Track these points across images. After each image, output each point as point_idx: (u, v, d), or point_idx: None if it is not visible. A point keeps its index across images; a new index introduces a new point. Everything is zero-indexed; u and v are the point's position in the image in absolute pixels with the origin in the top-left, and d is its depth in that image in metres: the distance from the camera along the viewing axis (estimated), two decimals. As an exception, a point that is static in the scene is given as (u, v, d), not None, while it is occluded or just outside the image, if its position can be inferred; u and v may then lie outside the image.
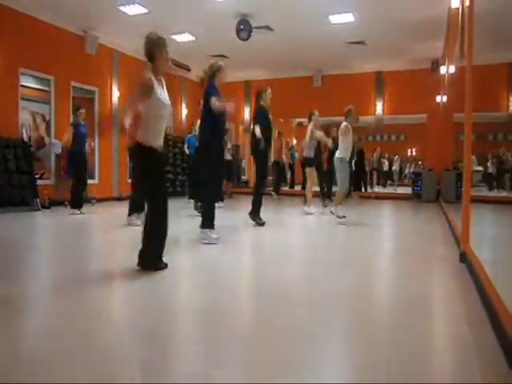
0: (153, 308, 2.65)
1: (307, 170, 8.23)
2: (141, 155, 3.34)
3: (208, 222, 4.71)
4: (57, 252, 4.58)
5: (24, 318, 2.49)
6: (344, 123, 6.72)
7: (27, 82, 9.39)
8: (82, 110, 7.74)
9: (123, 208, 7.44)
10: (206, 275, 3.54)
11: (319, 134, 8.07)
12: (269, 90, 6.27)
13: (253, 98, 14.25)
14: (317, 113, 8.16)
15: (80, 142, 7.57)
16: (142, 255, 3.38)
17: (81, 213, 7.45)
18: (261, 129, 6.04)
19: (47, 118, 9.91)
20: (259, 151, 6.12)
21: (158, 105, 3.32)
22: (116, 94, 11.19)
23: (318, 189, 9.68)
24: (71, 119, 7.79)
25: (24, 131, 8.79)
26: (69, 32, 9.72)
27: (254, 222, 6.13)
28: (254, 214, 6.18)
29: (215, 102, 4.53)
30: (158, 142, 3.39)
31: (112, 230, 6.10)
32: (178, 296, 3.02)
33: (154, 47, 3.33)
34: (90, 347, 2.03)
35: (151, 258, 3.40)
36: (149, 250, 3.38)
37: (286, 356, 1.97)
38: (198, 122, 5.74)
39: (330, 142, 8.43)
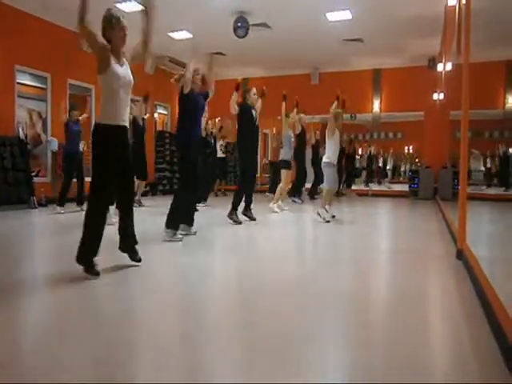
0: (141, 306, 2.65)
1: (283, 171, 8.08)
2: (94, 136, 3.21)
3: (172, 223, 4.63)
4: (51, 249, 4.56)
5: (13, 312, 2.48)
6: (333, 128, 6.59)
7: (23, 79, 9.35)
8: (75, 112, 7.72)
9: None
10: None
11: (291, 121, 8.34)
12: (253, 90, 6.40)
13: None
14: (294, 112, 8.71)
15: (72, 141, 7.54)
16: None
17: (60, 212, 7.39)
18: (242, 126, 6.16)
19: (43, 116, 9.88)
20: (240, 148, 6.22)
21: (112, 77, 3.32)
22: (113, 92, 11.14)
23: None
24: (65, 117, 7.75)
25: (20, 129, 8.75)
26: (65, 29, 9.67)
27: (230, 220, 6.10)
28: (231, 211, 6.13)
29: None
30: (117, 121, 3.26)
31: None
32: (166, 294, 3.01)
33: (108, 27, 3.33)
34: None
35: (81, 256, 3.17)
36: (80, 246, 3.18)
37: (283, 356, 1.97)
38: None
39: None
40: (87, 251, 3.15)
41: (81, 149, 7.74)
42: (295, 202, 9.57)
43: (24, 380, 1.70)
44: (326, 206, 6.55)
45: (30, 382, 1.69)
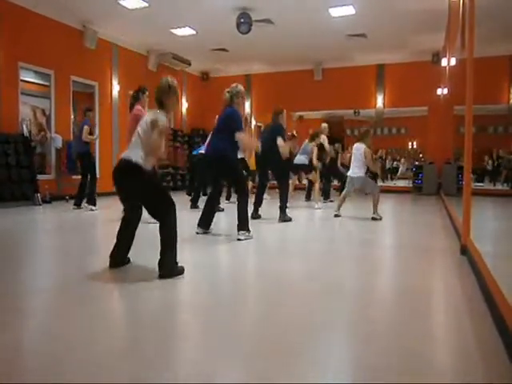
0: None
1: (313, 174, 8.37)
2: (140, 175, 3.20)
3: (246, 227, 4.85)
4: (59, 247, 4.59)
5: (24, 316, 2.50)
6: (366, 148, 6.50)
7: (27, 76, 9.39)
8: (90, 113, 7.68)
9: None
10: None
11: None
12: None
13: (253, 91, 14.31)
14: (323, 136, 8.61)
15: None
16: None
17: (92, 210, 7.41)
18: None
19: (47, 113, 9.91)
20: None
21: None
22: (116, 89, 11.17)
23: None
24: (72, 117, 7.69)
25: (24, 126, 8.78)
26: (68, 26, 9.69)
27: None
28: (280, 214, 6.24)
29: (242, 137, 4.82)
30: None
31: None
32: (175, 294, 3.02)
33: (164, 94, 3.29)
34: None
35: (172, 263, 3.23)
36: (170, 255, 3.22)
37: (285, 357, 1.97)
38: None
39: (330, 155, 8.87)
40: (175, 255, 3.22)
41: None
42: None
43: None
44: (338, 211, 6.74)
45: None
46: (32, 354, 1.95)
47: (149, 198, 3.26)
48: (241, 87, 5.03)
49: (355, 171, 6.51)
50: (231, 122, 4.84)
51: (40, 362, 1.84)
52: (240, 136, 4.77)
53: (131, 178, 3.16)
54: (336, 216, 6.64)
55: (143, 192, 3.23)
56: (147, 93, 5.95)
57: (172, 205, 3.22)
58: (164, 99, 3.27)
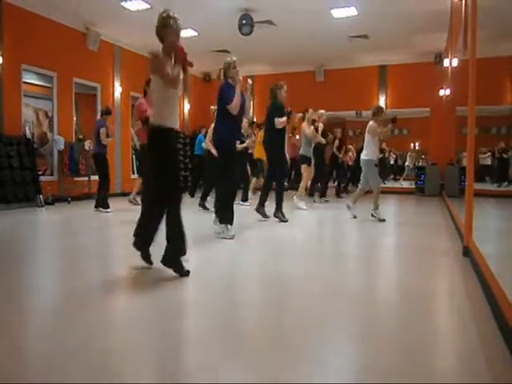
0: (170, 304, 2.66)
1: (303, 167, 8.18)
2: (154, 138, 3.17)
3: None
4: (66, 249, 4.59)
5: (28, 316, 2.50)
6: (371, 122, 6.34)
7: (30, 78, 9.41)
8: (107, 116, 7.58)
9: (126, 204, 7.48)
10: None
11: (309, 131, 8.06)
12: (284, 88, 6.38)
13: (255, 92, 14.30)
14: (311, 110, 8.25)
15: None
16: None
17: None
18: (271, 123, 6.17)
19: (50, 115, 9.94)
20: (267, 145, 6.25)
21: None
22: (118, 90, 11.19)
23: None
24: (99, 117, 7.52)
25: (27, 128, 8.80)
26: (71, 28, 9.71)
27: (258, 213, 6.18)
28: (257, 206, 6.22)
29: (232, 106, 4.70)
30: (173, 123, 3.21)
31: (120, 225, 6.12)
32: (180, 292, 3.02)
33: (161, 27, 3.28)
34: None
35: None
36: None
37: (285, 357, 1.97)
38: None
39: (320, 139, 8.52)
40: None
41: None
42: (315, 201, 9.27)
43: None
44: (352, 204, 6.60)
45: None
46: (41, 355, 1.96)
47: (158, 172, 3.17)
48: (231, 58, 4.92)
49: (363, 153, 6.38)
50: (219, 96, 4.79)
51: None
52: (230, 106, 4.66)
53: (150, 143, 3.18)
54: (349, 208, 6.56)
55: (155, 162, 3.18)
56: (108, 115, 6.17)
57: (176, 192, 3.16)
58: (163, 33, 3.25)
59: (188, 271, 3.17)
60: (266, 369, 1.79)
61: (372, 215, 6.39)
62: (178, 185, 3.23)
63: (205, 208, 7.41)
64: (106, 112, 7.59)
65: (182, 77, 3.25)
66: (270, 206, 6.26)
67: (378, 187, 6.42)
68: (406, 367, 1.82)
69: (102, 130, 7.25)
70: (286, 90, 6.30)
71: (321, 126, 8.65)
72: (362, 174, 6.51)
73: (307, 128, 8.09)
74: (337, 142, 10.12)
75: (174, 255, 3.17)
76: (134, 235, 3.40)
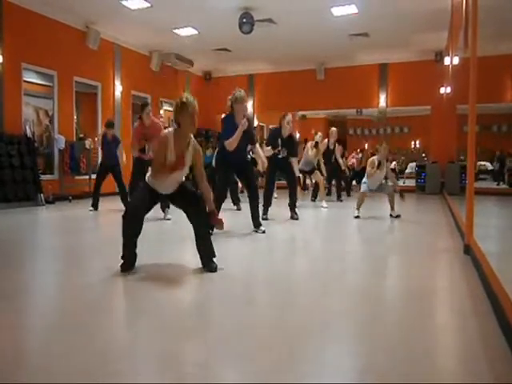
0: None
1: (316, 173, 8.43)
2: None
3: None
4: (68, 247, 4.60)
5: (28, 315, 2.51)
6: (375, 157, 6.47)
7: (30, 77, 9.41)
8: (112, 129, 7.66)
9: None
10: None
11: (311, 153, 8.30)
12: (288, 117, 6.38)
13: (256, 91, 14.30)
14: (319, 134, 8.72)
15: (110, 153, 7.57)
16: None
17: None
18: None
19: (50, 114, 9.94)
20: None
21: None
22: (118, 89, 11.18)
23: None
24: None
25: (27, 127, 8.80)
26: (71, 27, 9.70)
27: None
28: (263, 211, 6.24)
29: (228, 143, 4.79)
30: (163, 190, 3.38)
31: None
32: (179, 291, 3.03)
33: (177, 113, 3.25)
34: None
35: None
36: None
37: (285, 355, 1.97)
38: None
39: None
40: None
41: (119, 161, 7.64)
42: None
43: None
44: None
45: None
46: (40, 354, 1.96)
47: None
48: (240, 92, 4.88)
49: (363, 182, 6.58)
50: (221, 127, 4.92)
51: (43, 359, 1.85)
52: (227, 142, 4.78)
53: None
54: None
55: None
56: (146, 108, 6.26)
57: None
58: (179, 118, 3.25)
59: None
60: (266, 368, 1.79)
61: (390, 215, 6.50)
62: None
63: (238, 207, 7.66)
64: (108, 125, 7.62)
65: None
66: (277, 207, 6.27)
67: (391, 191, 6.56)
68: (406, 367, 1.83)
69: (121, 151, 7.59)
70: (290, 120, 6.35)
71: (324, 144, 8.88)
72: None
73: (310, 150, 8.34)
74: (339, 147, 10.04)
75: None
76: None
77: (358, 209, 6.52)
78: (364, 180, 6.56)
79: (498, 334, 2.11)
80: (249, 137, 5.00)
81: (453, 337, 2.24)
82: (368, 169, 6.41)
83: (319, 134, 8.81)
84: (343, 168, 9.88)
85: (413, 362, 1.86)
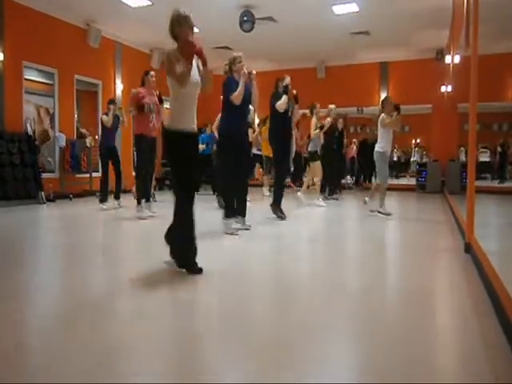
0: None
1: (312, 164, 8.05)
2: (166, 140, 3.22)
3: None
4: (70, 246, 4.60)
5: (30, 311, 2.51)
6: (382, 115, 6.26)
7: (31, 75, 9.40)
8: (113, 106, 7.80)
9: (128, 201, 7.48)
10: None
11: (313, 132, 7.97)
12: (287, 80, 6.43)
13: (256, 89, 14.27)
14: (318, 105, 8.10)
15: (109, 136, 7.68)
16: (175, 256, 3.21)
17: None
18: (275, 116, 6.29)
19: (51, 112, 9.94)
20: (272, 139, 6.24)
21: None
22: (119, 87, 11.17)
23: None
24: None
25: (28, 125, 8.80)
26: (72, 25, 9.69)
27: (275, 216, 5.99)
28: (274, 207, 6.05)
29: (234, 96, 4.78)
30: (185, 124, 3.17)
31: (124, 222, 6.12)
32: (181, 290, 3.03)
33: (174, 26, 3.25)
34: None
35: (181, 259, 3.19)
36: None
37: (285, 355, 1.97)
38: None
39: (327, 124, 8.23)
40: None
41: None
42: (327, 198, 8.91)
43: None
44: (368, 199, 6.45)
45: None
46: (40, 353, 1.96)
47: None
48: (237, 53, 5.02)
49: (376, 145, 6.27)
50: (224, 90, 4.90)
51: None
52: (232, 96, 4.73)
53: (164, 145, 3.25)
54: (386, 214, 6.25)
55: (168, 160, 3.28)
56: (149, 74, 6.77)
57: (184, 190, 3.11)
58: (176, 31, 3.19)
59: (201, 269, 3.17)
60: (266, 368, 1.80)
61: (378, 212, 6.28)
62: (190, 186, 3.20)
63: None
64: (110, 102, 7.86)
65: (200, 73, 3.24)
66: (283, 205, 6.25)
67: (381, 184, 6.31)
68: (406, 367, 1.83)
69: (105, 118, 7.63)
70: (290, 81, 6.23)
71: (328, 120, 8.39)
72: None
73: (314, 127, 7.97)
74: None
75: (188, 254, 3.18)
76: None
77: (381, 203, 6.26)
78: (377, 147, 6.17)
79: (498, 333, 2.11)
80: (249, 95, 5.00)
81: (453, 336, 2.24)
82: (387, 121, 6.15)
83: (318, 105, 8.17)
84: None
85: (413, 361, 1.86)
